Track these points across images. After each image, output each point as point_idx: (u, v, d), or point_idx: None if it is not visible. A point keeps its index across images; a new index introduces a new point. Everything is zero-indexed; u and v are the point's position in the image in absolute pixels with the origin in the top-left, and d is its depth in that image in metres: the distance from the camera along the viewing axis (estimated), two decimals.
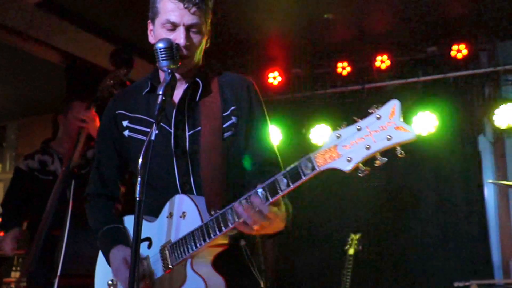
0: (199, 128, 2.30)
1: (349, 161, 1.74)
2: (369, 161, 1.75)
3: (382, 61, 6.63)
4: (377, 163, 1.72)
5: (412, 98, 6.51)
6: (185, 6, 2.19)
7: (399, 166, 6.72)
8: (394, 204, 6.74)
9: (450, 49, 6.32)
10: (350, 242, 5.80)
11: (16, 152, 8.80)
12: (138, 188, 1.95)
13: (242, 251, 2.33)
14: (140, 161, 1.97)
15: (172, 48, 2.17)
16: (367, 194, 6.73)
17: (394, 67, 6.64)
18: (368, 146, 1.71)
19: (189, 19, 2.20)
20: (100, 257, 2.49)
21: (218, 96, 2.33)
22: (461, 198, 6.43)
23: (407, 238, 6.61)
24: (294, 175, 1.87)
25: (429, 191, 6.62)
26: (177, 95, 2.31)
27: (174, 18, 2.20)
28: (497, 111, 6.12)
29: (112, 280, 2.39)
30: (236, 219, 1.99)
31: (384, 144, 1.69)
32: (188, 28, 2.22)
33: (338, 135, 1.78)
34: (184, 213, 2.20)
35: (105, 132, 2.54)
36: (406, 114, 6.29)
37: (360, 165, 1.75)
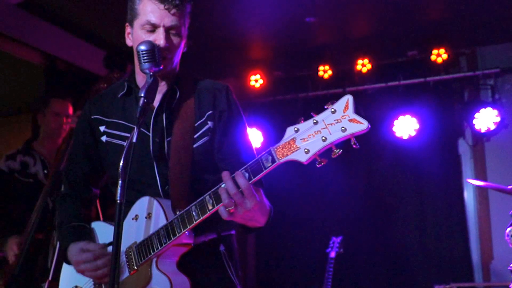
0: (172, 134, 2.30)
1: (306, 152, 1.82)
2: (326, 153, 1.83)
3: (363, 65, 6.68)
4: (333, 154, 1.80)
5: (392, 102, 6.56)
6: (166, 7, 2.19)
7: (380, 169, 6.76)
8: (374, 207, 6.77)
9: (430, 54, 6.39)
10: (331, 245, 5.82)
11: None
12: (119, 191, 1.94)
13: (220, 255, 2.34)
14: (121, 163, 1.95)
15: (154, 51, 2.16)
16: (348, 197, 6.75)
17: (375, 70, 6.69)
18: (324, 138, 1.79)
19: (169, 20, 2.20)
20: (65, 265, 2.47)
21: (193, 103, 2.33)
22: (441, 201, 6.48)
23: (388, 241, 6.64)
24: (255, 169, 1.91)
25: (409, 194, 6.66)
26: (156, 100, 2.29)
27: (154, 19, 2.19)
28: (476, 115, 6.19)
29: (76, 287, 2.39)
30: (200, 216, 2.01)
31: (339, 135, 1.78)
32: (167, 30, 2.22)
33: (296, 129, 1.86)
34: (149, 214, 2.20)
35: (78, 136, 2.53)
36: (386, 117, 6.43)
37: (317, 156, 1.82)
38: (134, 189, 2.28)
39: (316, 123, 1.82)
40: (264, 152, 1.90)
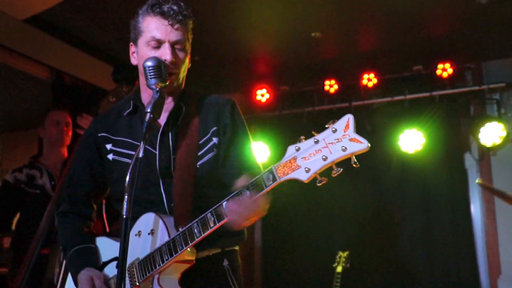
0: (177, 151, 2.31)
1: (307, 171, 1.85)
2: (326, 171, 1.86)
3: (369, 79, 6.68)
4: (334, 173, 1.84)
5: (398, 116, 6.56)
6: (170, 23, 2.22)
7: (386, 183, 6.74)
8: (381, 221, 6.74)
9: (436, 68, 6.39)
10: (338, 259, 5.79)
11: (0, 168, 8.70)
12: (125, 206, 1.95)
13: (224, 271, 2.35)
14: (127, 179, 1.96)
15: (160, 66, 2.17)
16: (354, 212, 6.73)
17: (381, 85, 6.69)
18: (325, 157, 1.83)
19: (173, 35, 2.24)
20: (69, 278, 2.46)
21: (198, 120, 2.36)
22: (448, 215, 6.45)
23: (394, 255, 6.60)
24: (257, 187, 1.95)
25: (416, 209, 6.63)
26: (162, 118, 2.30)
27: (159, 35, 2.23)
28: (482, 129, 6.18)
29: None
30: (202, 233, 2.05)
31: (339, 154, 1.81)
32: (173, 45, 2.25)
33: (297, 148, 1.90)
34: (152, 230, 2.21)
35: (83, 153, 2.53)
36: (392, 131, 6.43)
37: (317, 175, 1.85)
38: (140, 205, 2.28)
39: (317, 142, 1.86)
40: (265, 171, 1.95)
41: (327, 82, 6.85)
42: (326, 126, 1.86)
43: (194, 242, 2.06)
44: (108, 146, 2.41)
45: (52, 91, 5.88)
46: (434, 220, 6.52)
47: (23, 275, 3.72)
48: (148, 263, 2.17)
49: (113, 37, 5.97)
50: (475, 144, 6.47)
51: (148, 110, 2.09)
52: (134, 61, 2.39)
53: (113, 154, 2.40)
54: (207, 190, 2.31)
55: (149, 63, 2.16)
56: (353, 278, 6.09)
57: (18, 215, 4.35)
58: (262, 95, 7.10)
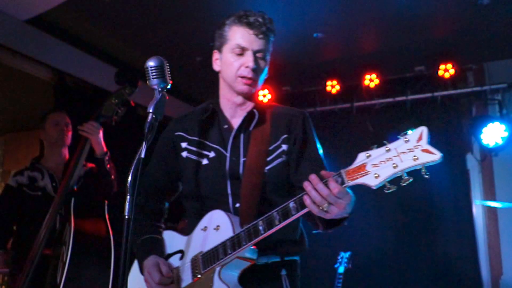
0: (247, 155, 2.42)
1: (376, 177, 1.88)
2: (395, 180, 1.88)
3: (371, 80, 6.69)
4: (403, 181, 1.86)
5: (400, 117, 6.55)
6: (254, 32, 2.39)
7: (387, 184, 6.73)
8: (383, 222, 6.74)
9: (438, 69, 6.39)
10: (340, 260, 5.79)
11: (2, 168, 8.72)
12: (127, 206, 1.96)
13: (281, 279, 2.39)
14: (129, 179, 1.98)
15: (163, 67, 2.19)
16: (356, 212, 6.70)
17: (383, 85, 6.70)
18: (395, 165, 1.85)
19: (256, 44, 2.40)
20: (134, 266, 2.57)
21: (269, 127, 2.47)
22: (450, 216, 6.45)
23: (396, 256, 6.60)
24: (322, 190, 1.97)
25: (418, 209, 6.62)
26: (237, 122, 2.47)
27: (244, 43, 2.39)
28: (484, 130, 6.18)
29: None
30: (267, 230, 2.09)
31: (410, 163, 1.83)
32: (255, 53, 2.40)
33: (368, 155, 1.92)
34: (218, 226, 2.29)
35: (160, 150, 2.64)
36: (394, 132, 6.40)
37: (386, 183, 1.88)
38: (204, 204, 2.42)
39: (388, 150, 1.88)
40: (334, 174, 1.98)
41: (329, 83, 6.85)
42: (398, 136, 1.89)
43: (258, 238, 2.11)
44: (183, 145, 2.53)
45: (54, 92, 5.88)
46: (436, 220, 6.52)
47: (26, 275, 3.73)
48: (211, 255, 2.25)
49: (115, 38, 5.98)
50: (477, 145, 6.47)
51: (150, 111, 2.12)
52: (216, 67, 2.52)
53: (187, 152, 2.51)
54: (272, 195, 2.39)
55: (151, 63, 2.18)
56: (355, 279, 6.08)
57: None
58: (264, 96, 7.10)
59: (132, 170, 1.98)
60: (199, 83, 7.04)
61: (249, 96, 2.49)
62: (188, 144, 2.52)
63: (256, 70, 2.40)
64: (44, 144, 4.55)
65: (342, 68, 6.82)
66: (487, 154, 6.52)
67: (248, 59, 2.38)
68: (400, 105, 6.68)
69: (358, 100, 6.82)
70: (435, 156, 1.81)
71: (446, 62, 6.36)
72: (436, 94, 6.51)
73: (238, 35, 2.40)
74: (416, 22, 5.70)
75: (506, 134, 6.13)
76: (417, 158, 1.81)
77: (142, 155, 2.01)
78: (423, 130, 1.86)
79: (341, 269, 5.68)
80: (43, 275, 3.84)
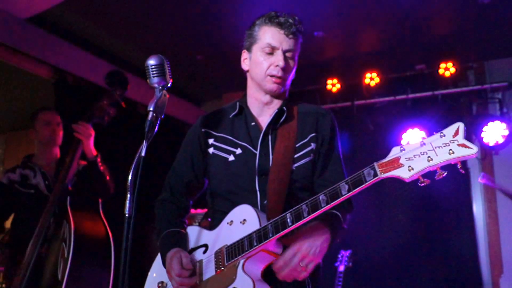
0: (275, 152, 2.45)
1: (410, 170, 1.86)
2: (429, 174, 1.86)
3: (372, 78, 6.69)
4: (438, 175, 1.85)
5: (401, 115, 6.55)
6: (284, 33, 2.45)
7: (387, 182, 6.72)
8: (383, 220, 6.74)
9: (438, 67, 6.39)
10: (340, 258, 5.79)
11: (3, 167, 8.73)
12: (127, 205, 1.97)
13: (304, 282, 2.38)
14: (129, 177, 1.99)
15: (163, 65, 2.20)
16: (356, 211, 6.71)
17: (383, 84, 6.70)
18: (430, 159, 1.83)
19: (286, 44, 2.45)
20: (157, 259, 2.60)
21: (296, 125, 2.52)
22: (450, 214, 6.44)
23: (396, 254, 6.59)
24: (356, 181, 1.98)
25: (418, 208, 6.62)
26: (264, 120, 2.53)
27: (274, 42, 2.44)
28: (485, 129, 6.18)
29: (162, 282, 2.49)
30: (294, 222, 2.10)
31: (445, 157, 1.82)
32: (284, 53, 2.45)
33: (402, 149, 1.92)
34: (244, 220, 2.30)
35: (187, 146, 2.68)
36: (395, 130, 6.42)
37: (420, 176, 1.87)
38: (230, 200, 2.45)
39: (423, 144, 1.87)
40: (367, 167, 1.97)
41: (329, 81, 6.85)
42: (434, 132, 1.89)
43: (285, 230, 2.10)
44: (210, 141, 2.58)
45: (55, 91, 5.88)
46: (436, 219, 6.52)
47: (23, 274, 3.72)
48: (236, 248, 2.25)
49: (116, 36, 5.98)
50: (478, 143, 6.46)
51: (151, 109, 2.13)
52: (245, 67, 2.60)
53: (214, 149, 2.56)
54: (299, 192, 2.43)
55: (152, 62, 2.19)
56: (355, 277, 6.10)
57: (13, 215, 4.35)
58: None
59: (132, 169, 1.98)
60: (200, 82, 7.06)
61: (277, 95, 2.53)
62: (215, 141, 2.57)
63: (285, 69, 2.46)
64: (36, 143, 4.52)
65: (342, 67, 6.82)
66: (488, 153, 6.52)
67: (278, 58, 2.43)
68: (400, 104, 6.67)
69: (358, 98, 6.81)
70: (472, 150, 1.80)
71: (446, 60, 6.36)
72: (436, 92, 6.50)
73: (268, 35, 2.45)
74: (416, 20, 5.70)
75: (506, 132, 6.12)
76: (453, 152, 1.81)
77: (143, 154, 2.01)
78: (459, 125, 1.86)
79: (341, 268, 5.68)
80: (41, 273, 3.83)
